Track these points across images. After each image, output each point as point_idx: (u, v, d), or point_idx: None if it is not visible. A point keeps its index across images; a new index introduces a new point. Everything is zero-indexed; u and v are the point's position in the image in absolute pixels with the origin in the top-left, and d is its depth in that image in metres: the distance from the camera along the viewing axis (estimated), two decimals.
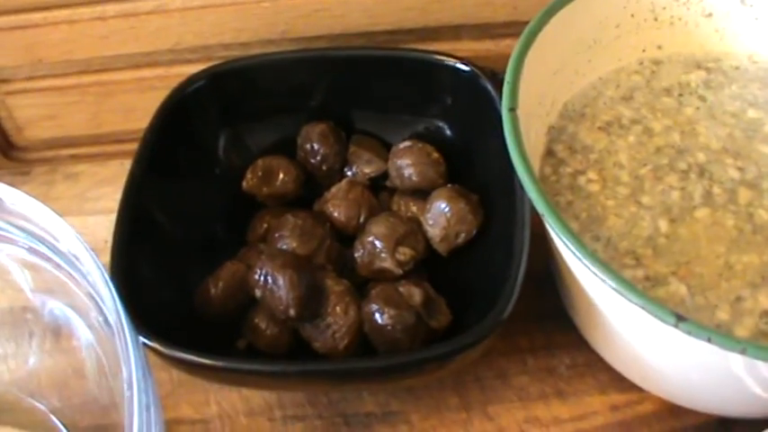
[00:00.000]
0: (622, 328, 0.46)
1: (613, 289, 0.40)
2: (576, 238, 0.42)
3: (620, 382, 0.51)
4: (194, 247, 0.54)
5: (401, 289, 0.50)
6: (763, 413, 0.47)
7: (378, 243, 0.52)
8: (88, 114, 0.65)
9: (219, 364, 0.45)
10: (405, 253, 0.52)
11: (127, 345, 0.38)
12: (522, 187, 0.46)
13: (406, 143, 0.56)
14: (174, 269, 0.52)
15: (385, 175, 0.57)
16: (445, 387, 0.52)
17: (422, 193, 0.55)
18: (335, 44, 0.60)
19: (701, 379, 0.46)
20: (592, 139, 0.53)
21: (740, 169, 0.51)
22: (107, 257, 0.48)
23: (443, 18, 0.59)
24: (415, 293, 0.50)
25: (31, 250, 0.45)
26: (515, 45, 0.49)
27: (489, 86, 0.54)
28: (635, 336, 0.46)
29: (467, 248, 0.53)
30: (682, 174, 0.51)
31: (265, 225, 0.55)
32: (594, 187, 0.51)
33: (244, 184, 0.57)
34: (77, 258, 0.42)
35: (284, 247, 0.52)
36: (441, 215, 0.52)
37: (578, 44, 0.55)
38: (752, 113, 0.54)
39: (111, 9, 0.59)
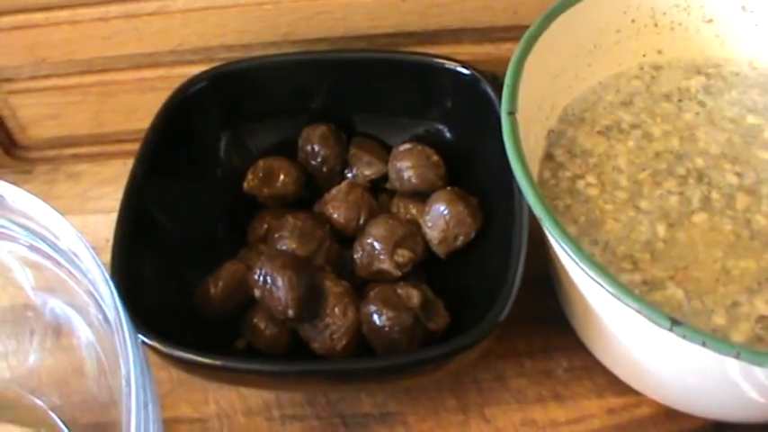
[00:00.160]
0: (619, 332, 0.47)
1: (610, 293, 0.40)
2: (574, 241, 0.42)
3: (617, 385, 0.51)
4: (195, 248, 0.54)
5: (399, 290, 0.50)
6: (760, 418, 0.48)
7: (377, 245, 0.52)
8: (90, 114, 0.65)
9: (218, 363, 0.45)
10: (403, 255, 0.52)
11: (125, 342, 0.38)
12: (520, 191, 0.46)
13: (406, 146, 0.56)
14: (174, 269, 0.53)
15: (385, 178, 0.57)
16: (443, 389, 0.53)
17: (421, 196, 0.55)
18: (337, 47, 0.60)
19: (698, 383, 0.46)
20: (591, 144, 0.53)
21: (738, 175, 0.51)
22: (108, 256, 0.48)
23: (444, 21, 0.59)
24: (413, 295, 0.50)
25: (32, 248, 0.46)
26: (515, 49, 0.50)
27: (489, 90, 0.55)
28: (632, 340, 0.46)
29: (465, 251, 0.53)
30: (680, 179, 0.51)
31: (266, 226, 0.55)
32: (593, 191, 0.51)
33: (245, 184, 0.57)
34: (78, 257, 0.42)
35: (284, 247, 0.52)
36: (440, 218, 0.53)
37: (578, 48, 0.55)
38: (751, 119, 0.54)
39: (113, 10, 0.59)
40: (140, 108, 0.58)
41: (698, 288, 0.46)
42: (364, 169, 0.57)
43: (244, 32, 0.60)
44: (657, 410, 0.51)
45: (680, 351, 0.42)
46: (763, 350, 0.44)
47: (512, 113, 0.47)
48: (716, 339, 0.39)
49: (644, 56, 0.57)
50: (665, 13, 0.56)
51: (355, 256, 0.53)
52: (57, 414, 0.50)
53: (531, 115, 0.50)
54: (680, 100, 0.55)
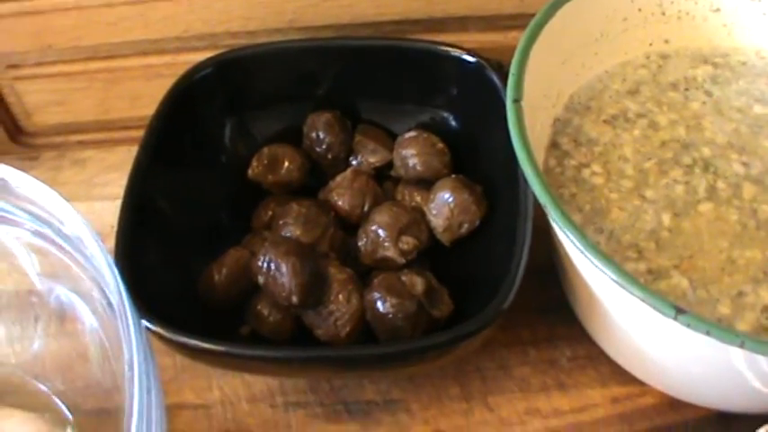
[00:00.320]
0: (624, 321, 0.47)
1: (615, 281, 0.40)
2: (579, 230, 0.42)
3: (620, 375, 0.51)
4: (199, 234, 0.54)
5: (403, 278, 0.50)
6: (763, 408, 0.47)
7: (381, 232, 0.52)
8: (96, 100, 0.65)
9: (222, 348, 0.45)
10: (408, 242, 0.52)
11: (129, 328, 0.38)
12: (525, 179, 0.46)
13: (411, 133, 0.56)
14: (178, 255, 0.53)
15: (390, 165, 0.57)
16: (446, 377, 0.53)
17: (426, 183, 0.55)
18: (342, 34, 0.60)
19: (702, 373, 0.46)
20: (597, 132, 0.53)
21: (745, 164, 0.51)
22: (113, 242, 0.48)
23: (450, 9, 0.59)
24: (417, 282, 0.50)
25: (37, 234, 0.46)
26: (521, 37, 0.49)
27: (495, 78, 0.55)
28: (636, 329, 0.46)
29: (469, 239, 0.53)
30: (686, 168, 0.51)
31: (270, 213, 0.55)
32: (599, 180, 0.51)
33: (249, 171, 0.57)
34: (82, 243, 0.42)
35: (288, 234, 0.52)
36: (444, 205, 0.53)
37: (585, 37, 0.55)
38: (758, 109, 0.54)
39: None
40: (146, 94, 0.58)
41: (703, 277, 0.46)
42: (369, 156, 0.57)
43: (249, 19, 0.60)
44: (661, 400, 0.51)
45: (684, 340, 0.42)
46: None
47: (517, 101, 0.47)
48: (720, 328, 0.39)
49: (651, 45, 0.57)
50: (672, 2, 0.56)
51: (359, 244, 0.53)
52: (60, 399, 0.50)
53: (536, 103, 0.50)
54: (687, 89, 0.55)
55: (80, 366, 0.50)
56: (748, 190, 0.50)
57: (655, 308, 0.40)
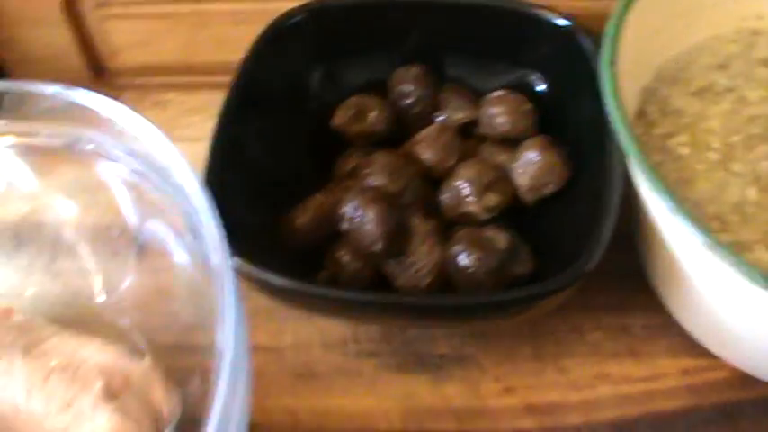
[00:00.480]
0: (706, 291, 0.46)
1: (706, 246, 0.40)
2: (672, 193, 0.42)
3: (693, 347, 0.51)
4: (280, 180, 0.55)
5: (487, 233, 0.50)
6: None
7: (465, 187, 0.52)
8: (181, 43, 0.65)
9: (315, 290, 0.46)
10: (492, 199, 0.52)
11: (222, 265, 0.38)
12: (613, 143, 0.46)
13: (499, 92, 0.56)
14: (260, 198, 0.53)
15: (475, 123, 0.57)
16: (520, 336, 0.53)
17: (511, 143, 0.55)
18: None
19: None
20: (684, 104, 0.53)
21: None
22: None
23: None
24: (500, 238, 0.50)
25: (131, 168, 0.46)
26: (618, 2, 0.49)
27: (586, 41, 0.54)
28: (718, 299, 0.46)
29: (552, 200, 0.53)
30: None
31: (353, 163, 0.55)
32: (684, 150, 0.51)
33: (334, 121, 0.57)
34: (176, 178, 0.42)
35: (373, 184, 0.52)
36: (530, 165, 0.52)
37: (678, 7, 0.54)
38: None
39: None
40: (232, 40, 0.58)
41: None
42: (455, 113, 0.57)
43: None
44: (733, 375, 0.51)
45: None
46: None
47: (612, 64, 0.47)
48: None
49: (743, 20, 0.56)
50: None
51: (443, 198, 0.53)
52: (139, 332, 0.51)
53: (627, 70, 0.50)
54: None
55: (162, 302, 0.50)
56: None
57: (745, 276, 0.39)
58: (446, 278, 0.50)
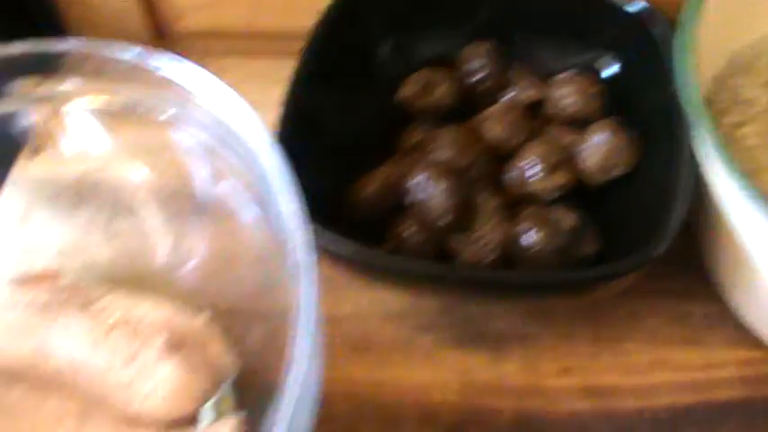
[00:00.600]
0: None
1: None
2: (747, 179, 0.42)
3: (752, 339, 0.51)
4: (345, 150, 0.54)
5: (554, 213, 0.50)
6: None
7: (533, 166, 0.52)
8: (246, 8, 0.65)
9: (387, 259, 0.47)
10: (559, 179, 0.52)
11: (296, 229, 0.38)
12: (683, 130, 0.46)
13: (569, 72, 0.56)
14: (326, 168, 0.53)
15: (542, 103, 0.56)
16: (579, 318, 0.53)
17: (578, 124, 0.54)
18: None
19: None
20: (755, 94, 0.52)
21: None
22: None
23: None
24: (566, 218, 0.50)
25: (205, 131, 0.46)
26: None
27: (660, 26, 0.54)
28: None
29: (618, 184, 0.53)
30: None
31: (417, 137, 0.55)
32: (753, 141, 0.51)
33: (400, 93, 0.57)
34: (250, 142, 0.42)
35: (441, 158, 0.52)
36: (598, 146, 0.52)
37: None
38: None
39: None
40: (297, 8, 0.58)
41: None
42: (523, 91, 0.56)
43: None
44: None
45: None
46: None
47: (689, 49, 0.47)
48: None
49: None
50: None
51: (509, 176, 0.53)
52: (199, 295, 0.51)
53: (700, 56, 0.49)
54: None
55: (227, 266, 0.50)
56: None
57: None
58: (510, 255, 0.50)
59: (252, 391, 0.46)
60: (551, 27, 0.58)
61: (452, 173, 0.49)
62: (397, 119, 0.57)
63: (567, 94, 0.55)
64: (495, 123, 0.54)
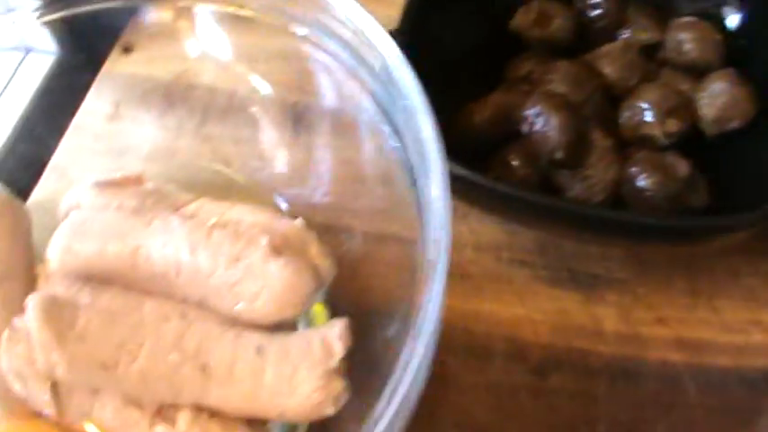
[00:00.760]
0: None
1: None
2: None
3: None
4: (457, 74, 0.53)
5: (668, 159, 0.49)
6: None
7: (647, 109, 0.50)
8: None
9: (503, 187, 0.46)
10: (673, 124, 0.50)
11: (432, 149, 0.37)
12: None
13: (690, 18, 0.54)
14: (439, 91, 0.51)
15: (658, 45, 0.55)
16: (676, 269, 0.51)
17: (694, 71, 0.53)
18: None
19: None
20: None
21: None
22: None
23: None
24: (681, 166, 0.48)
25: (331, 47, 0.45)
26: None
27: None
28: None
29: (732, 136, 0.51)
30: None
31: (528, 68, 0.54)
32: None
33: (513, 22, 0.55)
34: (377, 60, 0.41)
35: (556, 91, 0.50)
36: (717, 96, 0.50)
37: None
38: None
39: None
40: None
41: None
42: (640, 32, 0.55)
43: None
44: None
45: None
46: None
47: None
48: None
49: None
50: None
51: (623, 117, 0.51)
52: (292, 206, 0.50)
53: None
54: None
55: (351, 184, 0.50)
56: None
57: None
58: (619, 197, 0.49)
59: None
60: None
61: (568, 107, 0.48)
62: (506, 47, 0.56)
63: (687, 40, 0.53)
64: (610, 62, 0.52)
